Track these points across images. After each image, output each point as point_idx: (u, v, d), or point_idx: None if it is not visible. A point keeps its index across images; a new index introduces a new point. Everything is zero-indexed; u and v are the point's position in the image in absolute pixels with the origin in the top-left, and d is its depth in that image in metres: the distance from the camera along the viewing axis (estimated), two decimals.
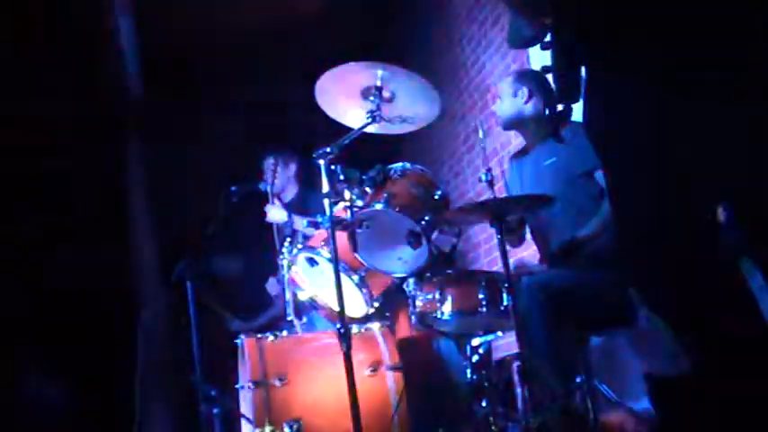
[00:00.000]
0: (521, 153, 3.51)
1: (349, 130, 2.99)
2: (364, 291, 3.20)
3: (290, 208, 4.38)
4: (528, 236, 3.51)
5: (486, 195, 2.96)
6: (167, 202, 5.35)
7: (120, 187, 5.40)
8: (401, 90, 3.02)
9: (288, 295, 3.50)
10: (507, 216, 2.87)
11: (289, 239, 3.50)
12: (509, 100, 3.35)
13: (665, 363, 3.06)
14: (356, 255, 3.04)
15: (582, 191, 3.14)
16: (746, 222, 1.70)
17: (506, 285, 2.73)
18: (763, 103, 1.64)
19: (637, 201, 1.79)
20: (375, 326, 3.43)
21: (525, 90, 3.31)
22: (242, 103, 5.80)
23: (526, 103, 3.31)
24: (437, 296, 2.96)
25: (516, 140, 4.34)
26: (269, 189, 4.33)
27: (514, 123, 3.42)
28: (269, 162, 4.47)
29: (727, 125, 1.66)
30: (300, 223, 4.15)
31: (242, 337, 3.39)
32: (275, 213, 4.25)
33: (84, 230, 5.20)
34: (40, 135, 5.19)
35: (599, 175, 3.13)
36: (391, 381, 3.26)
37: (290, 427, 3.08)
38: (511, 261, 2.83)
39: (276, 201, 4.34)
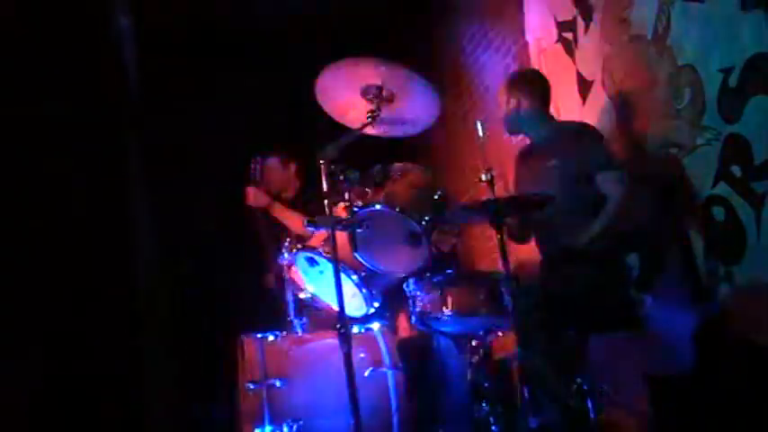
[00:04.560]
0: (523, 153, 3.51)
1: (349, 130, 2.99)
2: (364, 291, 3.20)
3: (290, 207, 4.39)
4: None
5: (486, 195, 2.96)
6: (168, 201, 5.35)
7: (120, 187, 5.40)
8: (401, 90, 3.02)
9: (288, 295, 3.50)
10: (507, 217, 2.87)
11: (288, 239, 3.50)
12: (505, 108, 3.38)
13: (665, 363, 3.06)
14: (356, 255, 3.03)
15: (583, 193, 3.14)
16: None
17: (506, 285, 2.73)
18: None
19: None
20: (375, 326, 3.42)
21: (515, 97, 3.33)
22: (242, 102, 5.80)
23: (519, 109, 3.33)
24: (437, 296, 2.96)
25: (516, 140, 4.34)
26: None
27: (515, 129, 3.46)
28: (269, 162, 4.48)
29: None
30: (291, 213, 4.17)
31: (242, 337, 3.39)
32: (257, 197, 4.28)
33: (84, 230, 5.20)
34: (39, 135, 5.19)
35: (600, 178, 3.13)
36: (391, 381, 3.26)
37: (290, 427, 3.08)
38: (511, 261, 2.82)
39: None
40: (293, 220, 4.17)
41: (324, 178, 2.72)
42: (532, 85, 3.40)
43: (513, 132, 3.55)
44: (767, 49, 2.74)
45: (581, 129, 3.36)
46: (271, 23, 5.67)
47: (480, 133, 3.08)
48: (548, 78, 3.55)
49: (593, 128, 3.33)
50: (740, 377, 2.68)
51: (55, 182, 5.22)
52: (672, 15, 3.19)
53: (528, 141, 3.55)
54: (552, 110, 3.56)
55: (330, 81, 2.99)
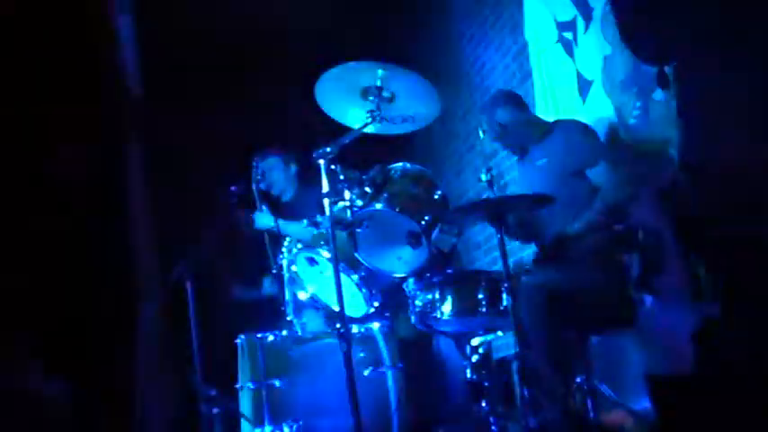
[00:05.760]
0: (521, 154, 3.52)
1: (349, 130, 2.99)
2: (364, 291, 3.20)
3: (289, 208, 4.38)
4: None
5: (486, 195, 2.96)
6: (167, 201, 5.35)
7: (119, 187, 5.39)
8: (401, 90, 3.01)
9: (288, 295, 3.50)
10: (508, 219, 2.87)
11: (288, 239, 3.50)
12: (491, 132, 3.38)
13: (665, 363, 3.06)
14: (356, 255, 3.04)
15: (575, 189, 3.15)
16: None
17: (506, 285, 2.74)
18: None
19: None
20: (375, 326, 3.42)
21: (496, 117, 3.33)
22: (242, 102, 5.80)
23: (506, 126, 3.33)
24: (437, 296, 2.97)
25: None
26: (256, 191, 4.33)
27: (510, 144, 3.48)
28: (270, 162, 4.48)
29: None
30: (297, 226, 4.15)
31: (242, 336, 3.39)
32: (263, 220, 4.27)
33: (83, 230, 5.19)
34: (38, 136, 5.19)
35: (591, 173, 3.14)
36: (391, 381, 3.27)
37: (290, 427, 3.08)
38: (511, 261, 2.83)
39: (264, 207, 4.34)
40: (301, 231, 4.14)
41: (324, 178, 2.72)
42: (504, 99, 3.40)
43: (511, 149, 3.56)
44: None
45: (571, 125, 3.36)
46: (271, 24, 5.67)
47: (480, 134, 3.10)
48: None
49: (584, 124, 3.33)
50: (740, 377, 2.68)
51: (54, 182, 5.22)
52: None
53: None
54: (547, 109, 3.56)
55: (330, 82, 2.99)
